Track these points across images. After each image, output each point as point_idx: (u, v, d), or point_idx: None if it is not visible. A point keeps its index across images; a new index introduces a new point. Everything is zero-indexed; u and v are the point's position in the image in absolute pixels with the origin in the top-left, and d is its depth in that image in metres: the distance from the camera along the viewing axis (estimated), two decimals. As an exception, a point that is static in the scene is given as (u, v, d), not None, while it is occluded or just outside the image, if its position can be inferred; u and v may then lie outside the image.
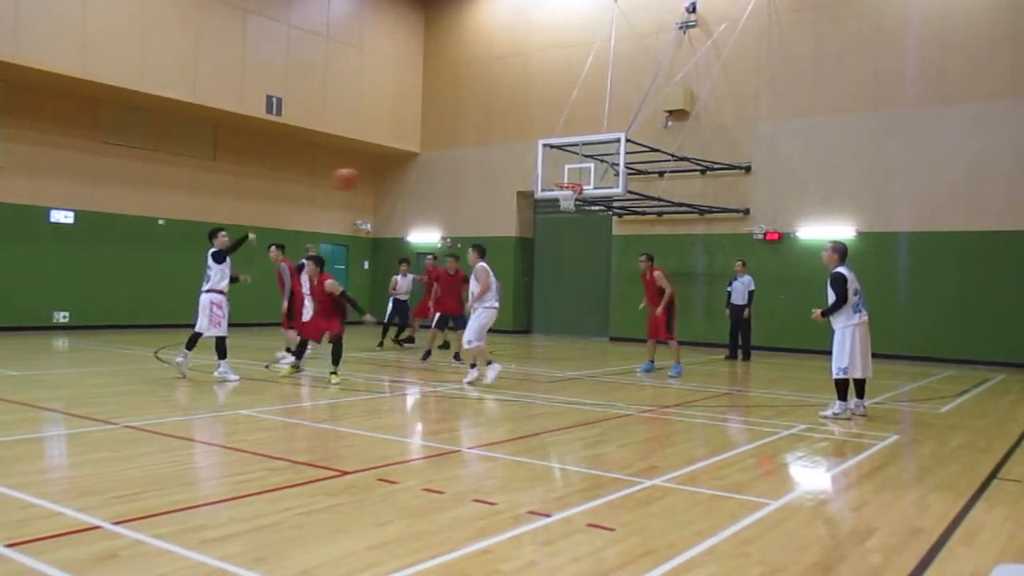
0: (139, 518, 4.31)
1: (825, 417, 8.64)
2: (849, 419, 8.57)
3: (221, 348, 10.36)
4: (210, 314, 10.32)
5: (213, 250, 10.48)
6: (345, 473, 5.51)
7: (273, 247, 13.45)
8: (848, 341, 8.63)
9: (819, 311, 8.83)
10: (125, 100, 18.69)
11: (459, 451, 6.51)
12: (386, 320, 16.59)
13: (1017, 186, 16.00)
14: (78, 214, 18.56)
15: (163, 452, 6.12)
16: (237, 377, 10.41)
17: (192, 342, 10.55)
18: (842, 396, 8.72)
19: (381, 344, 16.18)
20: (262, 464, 5.75)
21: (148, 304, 19.72)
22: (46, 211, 18.07)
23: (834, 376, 8.75)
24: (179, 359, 10.55)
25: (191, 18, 18.84)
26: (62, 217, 18.34)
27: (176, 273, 20.30)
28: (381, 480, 5.35)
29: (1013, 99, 16.07)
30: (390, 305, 16.54)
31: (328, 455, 6.18)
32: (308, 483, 5.22)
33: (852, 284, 8.70)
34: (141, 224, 19.72)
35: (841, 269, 8.76)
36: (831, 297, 8.65)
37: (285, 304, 12.94)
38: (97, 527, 4.16)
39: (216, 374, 10.36)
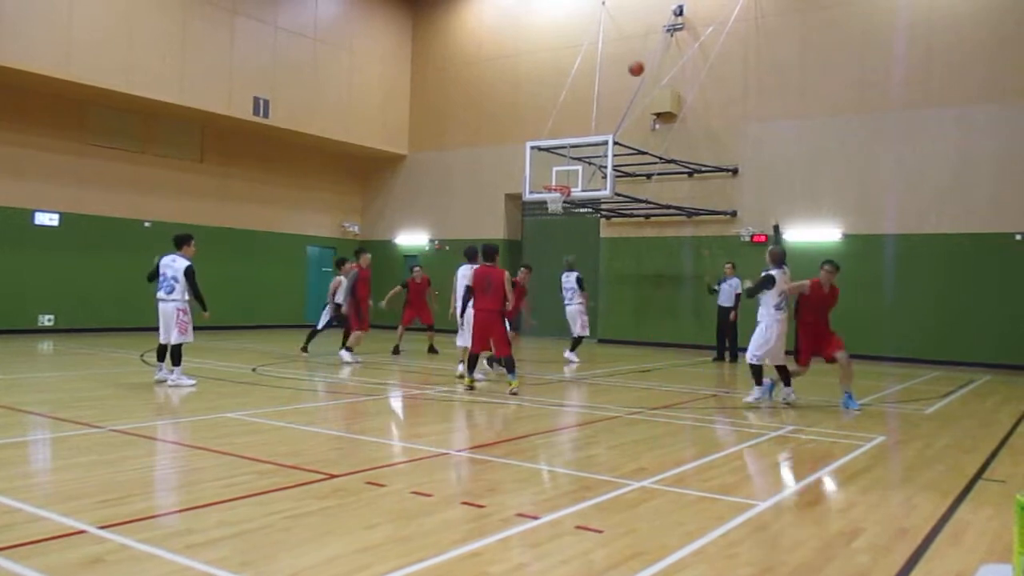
0: (125, 522, 4.28)
1: (749, 402, 9.49)
2: (772, 405, 9.42)
3: (178, 354, 10.07)
4: (177, 322, 10.02)
5: (188, 265, 10.10)
6: (333, 476, 5.49)
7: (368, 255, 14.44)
8: (770, 333, 9.53)
9: (747, 285, 9.86)
10: (111, 102, 18.58)
11: (447, 454, 6.50)
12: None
13: (1001, 188, 16.14)
14: (63, 216, 18.44)
15: (149, 456, 6.09)
16: (193, 381, 10.15)
17: (164, 355, 10.21)
18: (759, 381, 9.54)
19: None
20: (249, 467, 5.72)
21: (134, 307, 19.55)
22: (31, 213, 17.95)
23: (749, 361, 9.62)
24: (168, 377, 10.07)
25: (178, 19, 18.76)
26: (47, 219, 18.21)
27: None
28: (369, 483, 5.33)
29: (998, 102, 16.21)
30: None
31: (316, 458, 6.16)
32: (296, 486, 5.19)
33: (780, 286, 9.57)
34: (127, 226, 19.60)
35: (773, 272, 9.56)
36: (760, 288, 9.62)
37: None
38: (82, 531, 4.13)
39: (171, 381, 10.00)
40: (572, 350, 15.18)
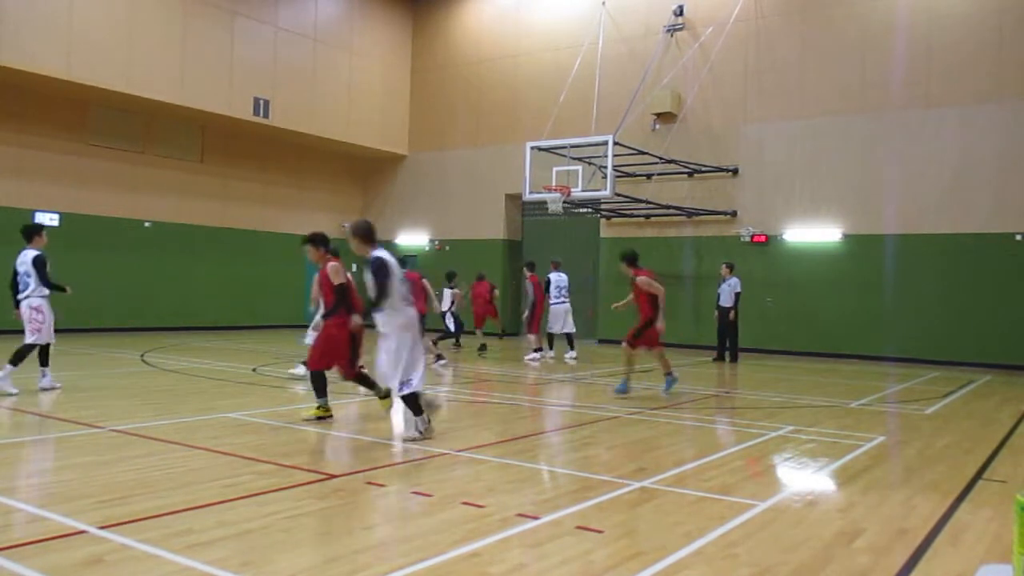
0: (125, 522, 4.28)
1: (410, 439, 6.96)
2: (425, 435, 6.98)
3: (21, 356, 9.19)
4: (30, 320, 9.27)
5: (36, 255, 9.29)
6: (333, 476, 5.49)
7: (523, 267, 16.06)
8: (404, 348, 6.91)
9: (357, 317, 7.40)
10: (112, 102, 18.59)
11: (447, 454, 6.50)
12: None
13: (1002, 188, 16.14)
14: (64, 216, 18.44)
15: (149, 456, 6.08)
16: (16, 391, 9.10)
17: (45, 358, 9.52)
18: (417, 410, 7.01)
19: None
20: (249, 468, 5.72)
21: (134, 307, 19.62)
22: (31, 213, 17.94)
23: (400, 393, 6.94)
24: (45, 382, 9.45)
25: (178, 20, 18.76)
26: (47, 219, 18.20)
27: (163, 276, 20.23)
28: (369, 483, 5.33)
29: (998, 102, 16.21)
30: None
31: (316, 458, 6.16)
32: (296, 487, 5.19)
33: (398, 272, 7.05)
34: (127, 226, 19.61)
35: (379, 253, 7.01)
36: (372, 289, 6.91)
37: (525, 313, 15.48)
38: (83, 532, 4.13)
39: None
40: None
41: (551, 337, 15.95)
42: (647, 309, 10.44)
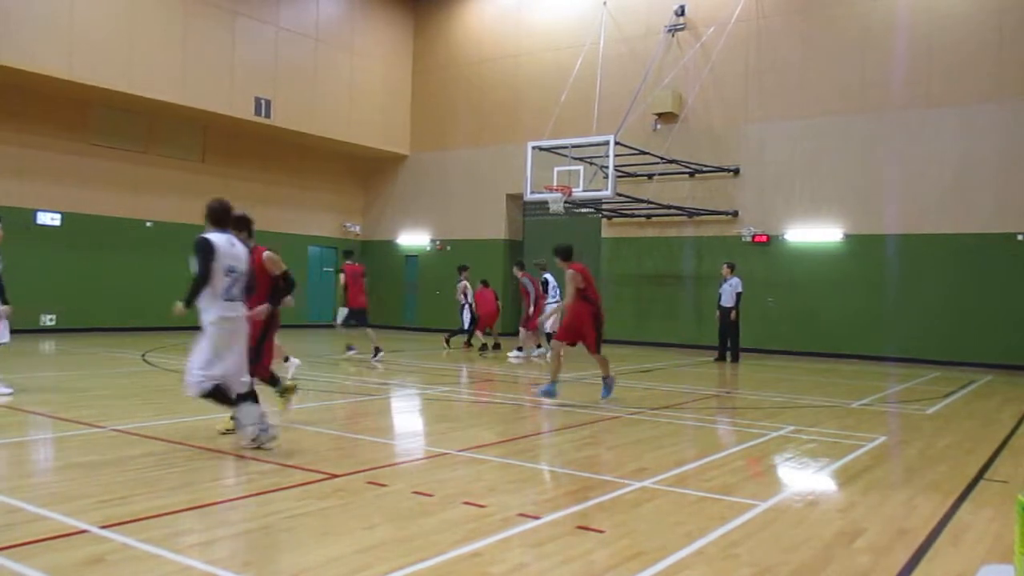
0: (126, 522, 4.28)
1: (225, 433, 6.55)
2: (259, 444, 6.24)
3: None
4: None
5: None
6: (334, 476, 5.50)
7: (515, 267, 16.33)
8: (212, 340, 6.19)
9: (181, 302, 6.23)
10: (113, 102, 18.60)
11: (448, 454, 6.50)
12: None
13: (1003, 188, 16.14)
14: (65, 216, 18.45)
15: (150, 455, 6.08)
16: (11, 390, 9.01)
17: None
18: (230, 403, 6.30)
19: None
20: (249, 467, 5.73)
21: (136, 307, 19.61)
22: (33, 213, 17.96)
23: (201, 387, 6.17)
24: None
25: (179, 20, 18.77)
26: (49, 219, 18.23)
27: (164, 276, 20.20)
28: (370, 483, 5.33)
29: (999, 102, 16.20)
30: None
31: (317, 458, 6.16)
32: (296, 486, 5.20)
33: (225, 259, 6.25)
34: (129, 226, 19.62)
35: (210, 235, 6.34)
36: (206, 272, 6.15)
37: (531, 309, 15.58)
38: (84, 531, 4.13)
39: None
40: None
41: (549, 336, 15.94)
42: (580, 308, 9.55)
